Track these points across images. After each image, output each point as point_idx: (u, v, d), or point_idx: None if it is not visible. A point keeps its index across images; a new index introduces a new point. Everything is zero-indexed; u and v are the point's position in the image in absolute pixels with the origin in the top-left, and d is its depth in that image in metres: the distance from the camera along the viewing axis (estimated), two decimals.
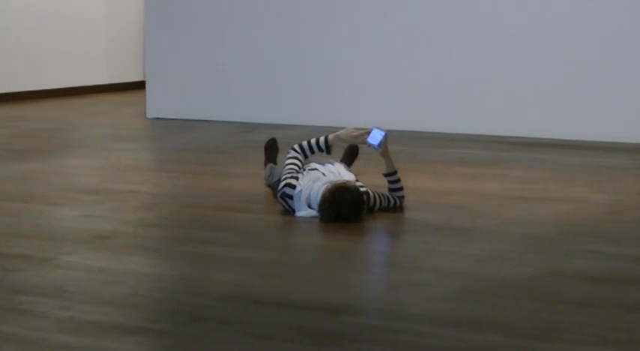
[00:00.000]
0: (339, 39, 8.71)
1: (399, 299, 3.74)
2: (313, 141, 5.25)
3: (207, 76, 9.22)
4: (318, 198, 4.91)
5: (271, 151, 5.88)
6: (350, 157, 5.84)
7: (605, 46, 7.86)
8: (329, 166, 5.23)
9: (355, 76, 8.68)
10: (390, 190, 5.20)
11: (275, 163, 5.77)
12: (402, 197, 5.22)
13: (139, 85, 11.23)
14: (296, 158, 5.20)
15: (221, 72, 9.15)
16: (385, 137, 5.14)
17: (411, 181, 5.51)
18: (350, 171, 5.32)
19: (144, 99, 9.62)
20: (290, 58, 8.89)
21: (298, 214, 4.98)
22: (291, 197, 5.01)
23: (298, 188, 4.99)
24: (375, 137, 5.14)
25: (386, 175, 5.22)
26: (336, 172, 5.16)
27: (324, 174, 5.11)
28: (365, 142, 5.21)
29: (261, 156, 5.95)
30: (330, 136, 5.25)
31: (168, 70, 9.40)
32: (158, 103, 9.43)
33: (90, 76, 12.04)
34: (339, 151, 5.70)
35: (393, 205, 5.18)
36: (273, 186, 5.40)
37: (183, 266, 4.23)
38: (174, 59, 9.35)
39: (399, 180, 5.21)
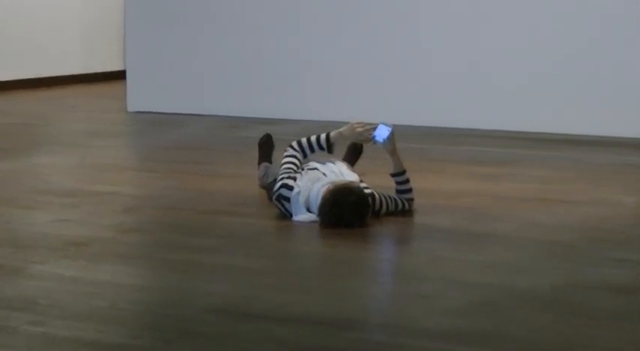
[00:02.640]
0: (338, 26, 8.72)
1: (406, 313, 3.74)
2: (313, 138, 5.26)
3: (195, 66, 9.22)
4: (318, 200, 4.92)
5: (266, 148, 5.89)
6: (353, 155, 5.85)
7: (634, 39, 7.86)
8: (330, 165, 5.24)
9: (358, 65, 8.68)
10: (398, 191, 5.21)
11: (270, 161, 5.78)
12: (411, 199, 5.23)
13: (119, 76, 11.24)
14: (294, 157, 5.21)
15: (210, 61, 9.16)
16: (392, 133, 5.15)
17: (421, 182, 5.52)
18: (353, 171, 5.33)
19: (124, 91, 9.62)
20: (286, 48, 8.90)
21: (296, 218, 4.99)
22: (288, 199, 5.02)
23: (296, 189, 5.00)
24: (382, 133, 5.15)
25: (393, 175, 5.22)
26: (338, 172, 5.17)
27: (324, 174, 5.11)
28: (370, 139, 5.22)
29: (254, 154, 5.95)
30: (332, 133, 5.26)
31: (152, 59, 9.40)
32: (140, 96, 9.44)
33: (64, 65, 12.05)
34: (341, 148, 5.71)
35: (401, 209, 5.18)
36: (268, 187, 5.41)
37: (168, 276, 4.23)
38: (159, 47, 9.35)
39: (407, 180, 5.22)
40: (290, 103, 8.88)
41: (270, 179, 5.36)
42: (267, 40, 8.95)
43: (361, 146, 5.84)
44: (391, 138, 5.15)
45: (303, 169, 5.17)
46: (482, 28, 8.27)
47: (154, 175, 6.43)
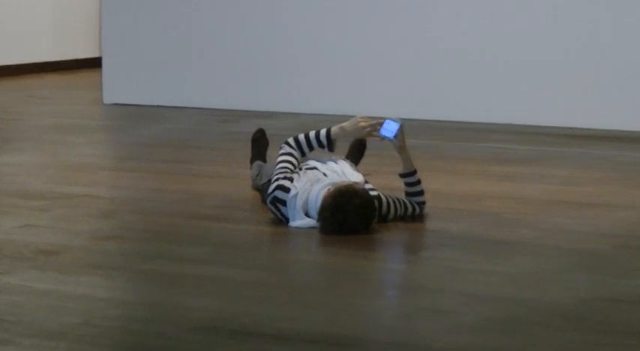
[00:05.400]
0: (340, 8, 8.70)
1: (417, 330, 3.74)
2: (312, 134, 5.25)
3: (180, 53, 9.21)
4: (318, 204, 4.91)
5: (259, 145, 5.89)
6: (357, 152, 5.85)
7: None
8: (331, 164, 5.24)
9: (363, 53, 8.68)
10: (408, 194, 5.21)
11: (264, 160, 5.78)
12: (423, 203, 5.23)
13: (94, 63, 11.23)
14: (290, 155, 5.20)
15: (196, 48, 9.15)
16: (401, 129, 5.15)
17: (433, 183, 5.52)
18: (357, 170, 5.32)
19: (100, 80, 9.62)
20: (283, 32, 8.89)
21: (293, 223, 4.99)
22: (284, 203, 5.02)
23: (293, 192, 5.00)
24: (390, 129, 5.14)
25: (402, 175, 5.22)
26: (340, 172, 5.17)
27: (325, 174, 5.11)
28: (377, 135, 5.20)
29: (246, 152, 5.96)
30: (333, 129, 5.26)
31: (131, 45, 9.39)
32: (118, 86, 9.44)
33: (33, 52, 12.04)
34: (344, 146, 5.71)
35: (411, 213, 5.18)
36: (261, 189, 5.40)
37: (149, 289, 4.23)
38: (138, 31, 9.34)
39: (418, 182, 5.22)
40: (286, 94, 8.87)
41: (265, 180, 5.36)
42: (260, 24, 8.94)
43: (365, 143, 5.84)
44: (400, 134, 5.15)
45: (301, 169, 5.17)
46: (501, 13, 8.26)
47: (134, 175, 6.43)
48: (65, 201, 5.58)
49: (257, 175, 5.61)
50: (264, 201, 5.25)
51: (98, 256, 4.64)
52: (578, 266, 4.49)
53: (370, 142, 5.78)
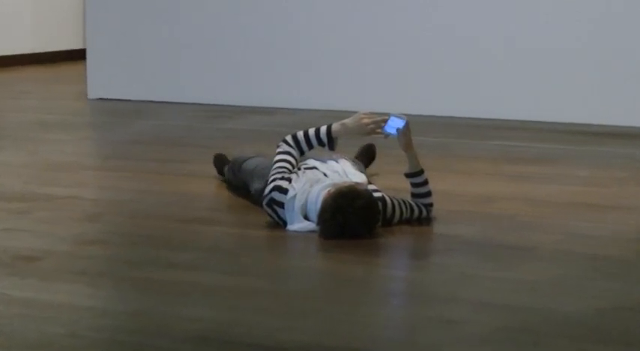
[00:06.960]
0: None
1: (424, 341, 3.75)
2: (312, 131, 5.26)
3: (170, 44, 9.22)
4: (318, 206, 4.92)
5: (219, 162, 6.00)
6: (365, 158, 5.86)
7: None
8: (332, 163, 5.24)
9: (366, 45, 8.68)
10: (414, 195, 5.21)
11: (228, 160, 5.87)
12: (430, 205, 5.23)
13: (78, 55, 11.24)
14: (289, 154, 5.21)
15: (188, 38, 9.15)
16: (407, 126, 5.15)
17: (442, 184, 5.52)
18: (360, 170, 5.33)
19: (84, 74, 9.62)
20: (281, 23, 8.89)
21: (291, 227, 5.00)
22: (281, 205, 5.02)
23: (291, 193, 5.00)
24: (394, 126, 5.15)
25: (409, 175, 5.22)
26: (342, 172, 5.17)
27: (325, 174, 5.12)
28: (381, 133, 5.21)
29: (241, 149, 5.96)
30: (334, 126, 5.26)
31: (117, 36, 9.40)
32: (103, 80, 9.44)
33: (12, 43, 12.04)
34: (345, 145, 5.71)
35: (418, 216, 5.19)
36: (254, 193, 5.39)
37: (136, 297, 4.23)
38: (125, 21, 9.35)
39: (426, 182, 5.22)
40: (284, 88, 8.87)
41: (246, 176, 5.42)
42: (255, 15, 8.94)
43: (374, 149, 5.85)
44: (406, 131, 5.15)
45: (299, 169, 5.17)
46: (514, 3, 8.27)
47: (121, 175, 6.44)
48: (47, 203, 5.58)
49: (232, 175, 5.71)
50: (260, 203, 5.26)
51: (82, 262, 4.65)
52: (598, 273, 4.49)
53: (374, 140, 5.79)
